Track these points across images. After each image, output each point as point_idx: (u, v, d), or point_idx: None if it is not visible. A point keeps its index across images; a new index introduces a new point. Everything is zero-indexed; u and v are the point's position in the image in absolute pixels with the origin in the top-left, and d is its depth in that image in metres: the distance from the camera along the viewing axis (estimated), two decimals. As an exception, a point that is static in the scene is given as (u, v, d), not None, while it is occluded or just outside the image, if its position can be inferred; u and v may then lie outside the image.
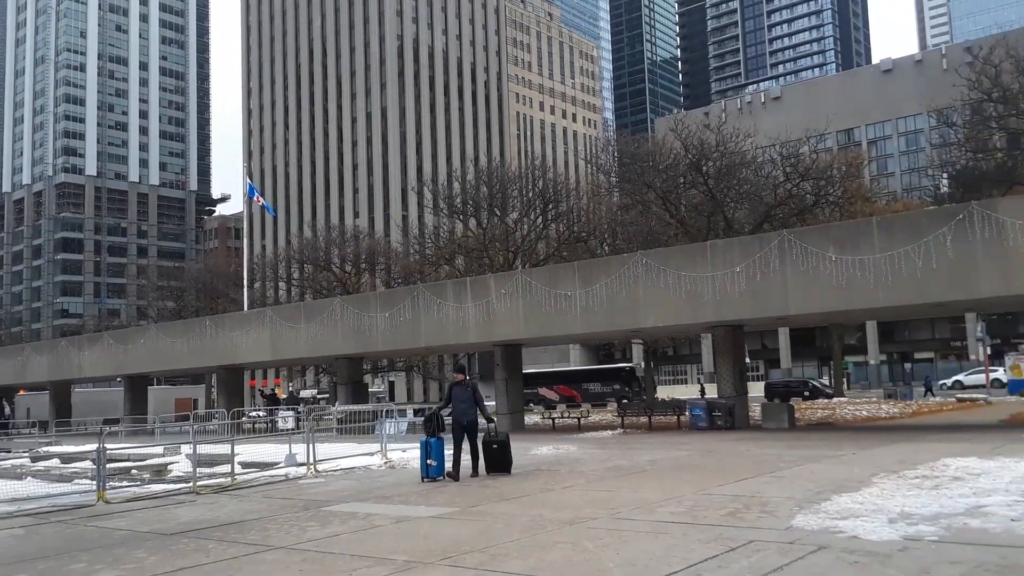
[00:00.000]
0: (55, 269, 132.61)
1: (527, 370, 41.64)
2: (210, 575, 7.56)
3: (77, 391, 55.81)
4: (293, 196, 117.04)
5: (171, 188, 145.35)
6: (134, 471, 20.54)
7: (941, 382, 59.26)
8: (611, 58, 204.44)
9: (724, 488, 11.29)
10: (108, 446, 14.53)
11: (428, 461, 13.71)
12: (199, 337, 38.81)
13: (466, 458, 14.08)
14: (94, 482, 13.90)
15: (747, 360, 34.22)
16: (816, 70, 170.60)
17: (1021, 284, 19.54)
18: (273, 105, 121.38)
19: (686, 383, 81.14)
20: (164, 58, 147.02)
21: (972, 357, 70.53)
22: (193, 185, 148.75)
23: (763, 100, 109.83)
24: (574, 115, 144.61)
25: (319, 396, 71.29)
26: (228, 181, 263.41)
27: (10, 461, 26.21)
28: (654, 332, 35.60)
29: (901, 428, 23.50)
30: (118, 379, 48.97)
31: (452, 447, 13.97)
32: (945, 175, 44.38)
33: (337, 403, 34.33)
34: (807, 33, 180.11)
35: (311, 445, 16.56)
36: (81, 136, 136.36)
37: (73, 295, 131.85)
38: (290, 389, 74.12)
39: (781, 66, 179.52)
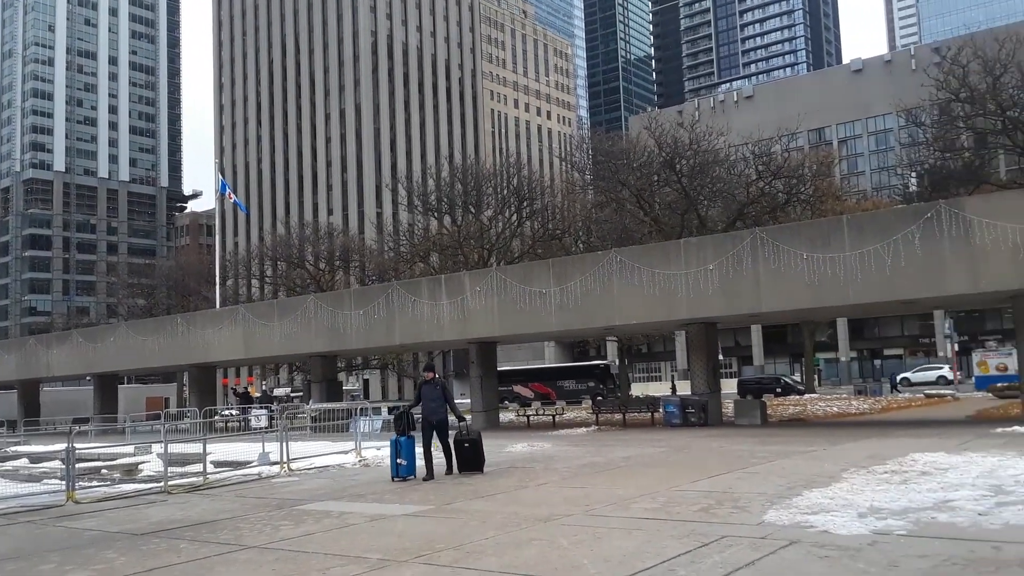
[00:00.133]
0: (23, 266, 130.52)
1: (502, 367, 41.66)
2: (182, 575, 7.50)
3: (46, 390, 55.04)
4: (266, 193, 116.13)
5: (141, 184, 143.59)
6: (104, 471, 20.32)
7: (899, 378, 60.10)
8: (585, 56, 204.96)
9: (697, 484, 11.38)
10: (78, 445, 14.35)
11: (398, 460, 13.61)
12: (170, 335, 38.41)
13: (441, 457, 14.06)
14: (63, 482, 13.74)
15: (720, 357, 34.47)
16: (788, 69, 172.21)
17: (988, 282, 19.87)
18: (246, 101, 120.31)
19: (660, 380, 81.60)
20: (134, 52, 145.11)
21: (940, 354, 71.60)
22: (164, 181, 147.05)
23: (736, 99, 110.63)
24: (549, 113, 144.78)
25: (293, 394, 70.86)
26: (200, 177, 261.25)
27: (-24, 461, 25.75)
28: (628, 329, 35.77)
29: (871, 424, 23.81)
30: (88, 378, 48.35)
31: (422, 446, 13.90)
32: (914, 174, 44.97)
33: (311, 401, 34.15)
34: (779, 33, 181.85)
35: (284, 444, 16.46)
36: (49, 131, 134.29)
37: (41, 292, 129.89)
38: (263, 387, 73.60)
39: (753, 65, 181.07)
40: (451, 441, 13.99)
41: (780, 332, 78.02)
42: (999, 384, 38.01)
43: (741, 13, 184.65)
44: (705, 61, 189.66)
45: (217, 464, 17.74)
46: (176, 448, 17.21)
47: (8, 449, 27.75)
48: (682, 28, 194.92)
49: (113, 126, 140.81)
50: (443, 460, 14.04)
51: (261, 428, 24.81)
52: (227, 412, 39.46)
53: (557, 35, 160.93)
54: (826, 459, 13.76)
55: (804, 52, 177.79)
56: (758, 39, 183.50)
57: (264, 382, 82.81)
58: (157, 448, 20.30)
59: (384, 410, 31.69)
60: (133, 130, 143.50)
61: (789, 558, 6.70)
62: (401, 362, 72.87)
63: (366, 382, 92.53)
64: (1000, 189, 33.44)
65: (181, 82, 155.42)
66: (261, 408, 33.84)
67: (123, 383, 56.14)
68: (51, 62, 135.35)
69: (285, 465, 16.20)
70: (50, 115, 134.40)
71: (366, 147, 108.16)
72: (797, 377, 58.97)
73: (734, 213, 42.41)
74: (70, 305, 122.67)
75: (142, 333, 40.32)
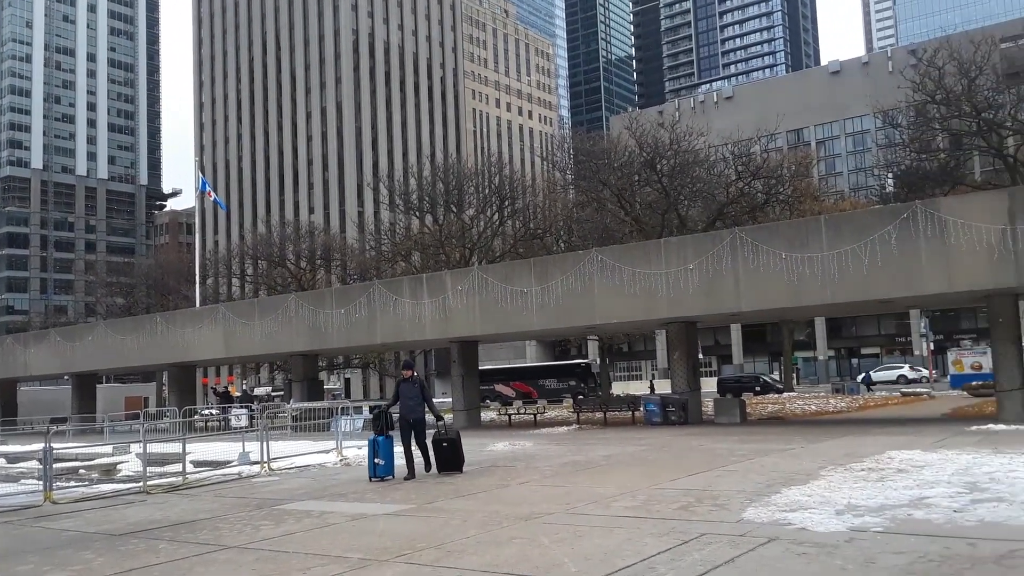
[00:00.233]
0: (0, 264, 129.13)
1: (483, 367, 41.66)
2: (162, 576, 7.47)
3: (23, 389, 54.43)
4: (247, 191, 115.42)
5: (120, 182, 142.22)
6: (82, 471, 20.17)
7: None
8: (567, 56, 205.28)
9: (677, 482, 11.46)
10: (55, 445, 14.23)
11: (376, 460, 13.46)
12: (150, 334, 38.11)
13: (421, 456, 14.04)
14: (41, 482, 13.61)
15: (700, 356, 34.67)
16: (767, 70, 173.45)
17: (962, 281, 20.12)
18: (226, 99, 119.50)
19: (641, 379, 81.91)
20: (113, 49, 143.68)
21: (916, 353, 72.38)
22: (143, 179, 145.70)
23: (716, 100, 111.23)
24: (530, 112, 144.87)
25: (273, 393, 70.48)
26: (179, 176, 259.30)
27: (-49, 462, 25.44)
28: (609, 329, 35.89)
29: (848, 422, 24.03)
30: (66, 377, 47.87)
31: (402, 446, 13.81)
32: (890, 175, 45.41)
33: (292, 400, 34.00)
34: (758, 34, 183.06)
35: (265, 443, 16.39)
36: (27, 128, 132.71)
37: (18, 291, 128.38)
38: (243, 387, 73.17)
39: (733, 66, 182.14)
40: (429, 441, 13.90)
41: (759, 331, 78.57)
42: (974, 383, 38.50)
43: (721, 14, 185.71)
44: (685, 62, 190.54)
45: (197, 464, 17.64)
46: (155, 448, 17.09)
47: (-16, 450, 27.42)
48: (663, 29, 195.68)
49: (92, 123, 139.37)
50: (421, 459, 13.99)
51: (241, 428, 24.68)
52: (207, 411, 39.21)
53: (538, 35, 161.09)
54: (804, 457, 13.88)
55: (783, 53, 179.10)
56: (738, 40, 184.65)
57: (245, 381, 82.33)
58: (136, 448, 20.14)
59: (365, 409, 31.59)
60: (112, 127, 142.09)
61: (768, 555, 6.77)
62: (383, 361, 72.70)
63: (347, 381, 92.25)
64: (975, 190, 33.85)
65: (160, 79, 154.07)
66: (241, 407, 33.64)
67: (102, 383, 55.62)
68: (29, 59, 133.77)
69: (265, 465, 16.13)
70: (28, 112, 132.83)
71: (347, 145, 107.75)
72: (776, 376, 59.41)
73: (714, 213, 42.67)
74: (48, 304, 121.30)
75: (121, 332, 39.99)
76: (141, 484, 14.27)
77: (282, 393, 63.35)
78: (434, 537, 8.30)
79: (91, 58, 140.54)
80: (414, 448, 13.77)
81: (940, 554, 6.47)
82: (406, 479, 13.30)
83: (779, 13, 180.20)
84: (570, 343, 68.57)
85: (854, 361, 77.64)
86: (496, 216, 52.69)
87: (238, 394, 54.16)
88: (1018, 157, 36.48)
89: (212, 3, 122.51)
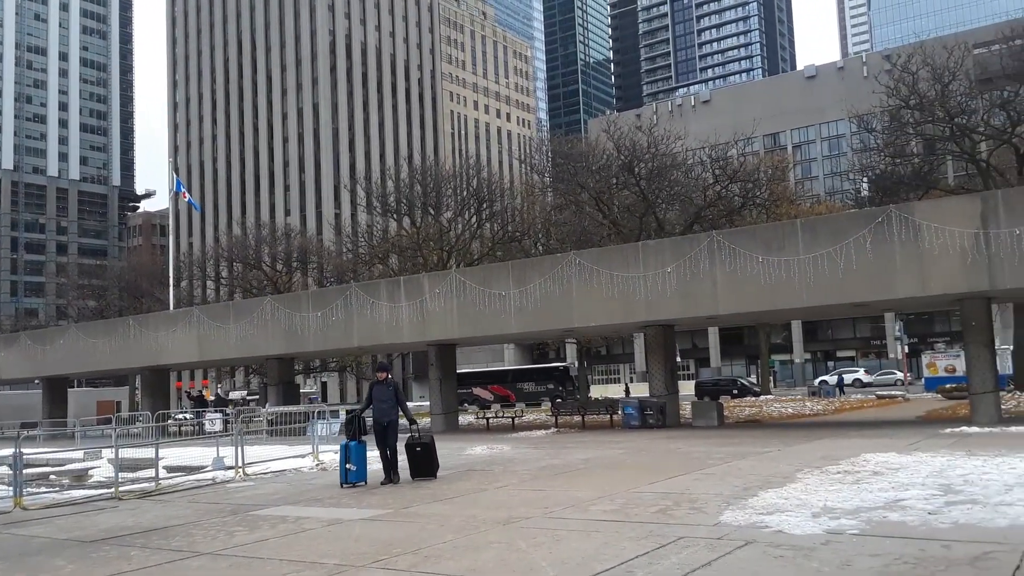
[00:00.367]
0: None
1: (461, 370, 41.59)
2: (133, 584, 7.34)
3: (-8, 394, 53.62)
4: (221, 193, 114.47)
5: (92, 183, 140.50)
6: (53, 476, 19.87)
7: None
8: (545, 59, 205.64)
9: (655, 486, 11.46)
10: (25, 450, 14.00)
11: (348, 466, 13.13)
12: (122, 337, 37.67)
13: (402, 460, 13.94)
14: (10, 488, 13.38)
15: (678, 359, 34.82)
16: (744, 75, 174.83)
17: (936, 285, 20.33)
18: (200, 99, 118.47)
19: (619, 382, 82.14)
20: (85, 49, 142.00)
21: (891, 356, 73.16)
22: (116, 180, 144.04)
23: (693, 103, 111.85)
24: (508, 115, 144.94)
25: (249, 397, 69.89)
26: (153, 177, 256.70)
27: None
28: (587, 332, 35.94)
29: (824, 425, 24.21)
30: (36, 381, 47.21)
31: (378, 450, 13.61)
32: (865, 179, 45.85)
33: (267, 404, 33.73)
34: (735, 38, 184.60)
35: (240, 448, 16.22)
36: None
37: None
38: (217, 391, 72.49)
39: (710, 70, 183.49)
40: (401, 445, 13.69)
41: (737, 334, 79.13)
42: (948, 385, 38.97)
43: (698, 18, 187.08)
44: (663, 65, 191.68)
45: (170, 469, 17.43)
46: (127, 453, 16.86)
47: (-48, 455, 26.93)
48: (640, 32, 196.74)
49: (63, 123, 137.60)
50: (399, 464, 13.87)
51: (216, 432, 24.43)
52: (181, 416, 38.81)
53: (516, 37, 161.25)
54: (781, 460, 13.95)
55: (760, 58, 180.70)
56: (715, 44, 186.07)
57: (219, 385, 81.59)
58: (108, 453, 19.86)
59: (342, 413, 31.42)
60: (84, 128, 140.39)
61: (745, 558, 6.77)
62: (360, 364, 72.36)
63: (324, 385, 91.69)
64: (948, 194, 34.25)
65: (134, 79, 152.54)
66: (216, 412, 33.33)
67: (73, 386, 54.91)
68: (0, 57, 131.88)
69: (240, 470, 15.96)
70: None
71: (324, 147, 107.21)
72: (753, 379, 59.81)
73: (691, 216, 42.87)
74: (18, 307, 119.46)
75: (93, 335, 39.50)
76: (113, 490, 14.07)
77: (257, 397, 62.85)
78: (411, 542, 8.23)
79: (63, 57, 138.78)
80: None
81: (915, 556, 6.51)
82: (383, 484, 13.20)
83: (756, 18, 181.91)
84: (548, 346, 68.65)
85: (830, 364, 78.39)
86: (474, 219, 52.62)
87: (212, 398, 53.59)
88: (990, 162, 36.96)
89: (187, 2, 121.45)
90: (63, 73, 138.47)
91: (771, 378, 60.30)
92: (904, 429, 20.22)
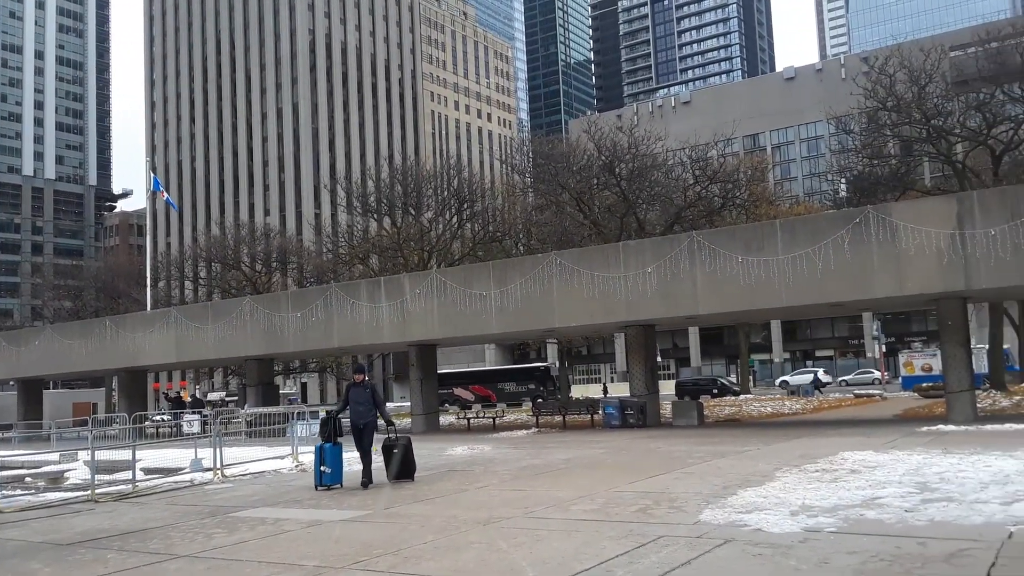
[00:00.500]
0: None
1: (442, 370, 41.51)
2: (109, 587, 7.27)
3: (-35, 396, 52.91)
4: (200, 192, 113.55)
5: (68, 183, 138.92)
6: (28, 479, 19.64)
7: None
8: (526, 59, 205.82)
9: (635, 485, 11.49)
10: (0, 453, 13.81)
11: (322, 468, 12.97)
12: (99, 338, 37.29)
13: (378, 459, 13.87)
14: (-16, 492, 13.21)
15: (658, 359, 34.90)
16: (723, 76, 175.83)
17: (913, 285, 20.53)
18: (178, 98, 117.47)
19: (600, 382, 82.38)
20: (61, 47, 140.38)
21: (869, 355, 73.83)
22: (92, 180, 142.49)
23: (673, 104, 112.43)
24: (489, 115, 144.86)
25: (228, 399, 69.39)
26: (130, 177, 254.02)
27: None
28: (568, 332, 35.98)
29: (803, 424, 24.38)
30: (11, 383, 46.62)
31: (356, 452, 13.45)
32: (843, 180, 46.19)
33: (246, 405, 33.50)
34: (715, 40, 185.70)
35: (218, 449, 16.11)
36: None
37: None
38: (195, 392, 71.92)
39: (690, 71, 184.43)
40: (378, 446, 13.56)
41: (716, 334, 79.56)
42: (924, 384, 39.39)
43: (678, 20, 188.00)
44: (644, 66, 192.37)
45: (147, 471, 17.29)
46: (104, 455, 16.70)
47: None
48: (621, 33, 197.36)
49: (39, 122, 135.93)
50: (379, 465, 13.79)
51: (194, 433, 24.23)
52: (158, 417, 38.46)
53: (497, 37, 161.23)
54: (760, 459, 14.03)
55: (739, 59, 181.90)
56: (695, 45, 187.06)
57: (198, 386, 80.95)
58: (84, 455, 19.66)
59: (322, 413, 31.26)
60: (60, 126, 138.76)
61: (724, 557, 6.80)
62: (340, 365, 72.02)
63: (304, 386, 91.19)
64: (925, 195, 34.59)
65: (111, 78, 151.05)
66: (194, 413, 33.07)
67: (48, 388, 54.28)
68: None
69: (219, 471, 15.84)
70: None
71: (304, 147, 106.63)
72: (733, 378, 60.12)
73: (672, 217, 43.02)
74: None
75: (69, 336, 39.09)
76: (89, 492, 13.93)
77: (236, 398, 62.44)
78: (391, 543, 8.20)
79: (39, 55, 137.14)
80: (375, 454, 13.53)
81: (892, 553, 6.56)
82: (361, 486, 13.11)
83: (735, 20, 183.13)
84: (529, 346, 68.63)
85: (809, 363, 79.01)
86: (455, 219, 52.51)
87: (189, 399, 53.14)
88: (966, 164, 37.35)
89: (164, 1, 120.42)
90: (39, 71, 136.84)
91: (751, 378, 60.65)
92: (881, 428, 20.41)
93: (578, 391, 64.74)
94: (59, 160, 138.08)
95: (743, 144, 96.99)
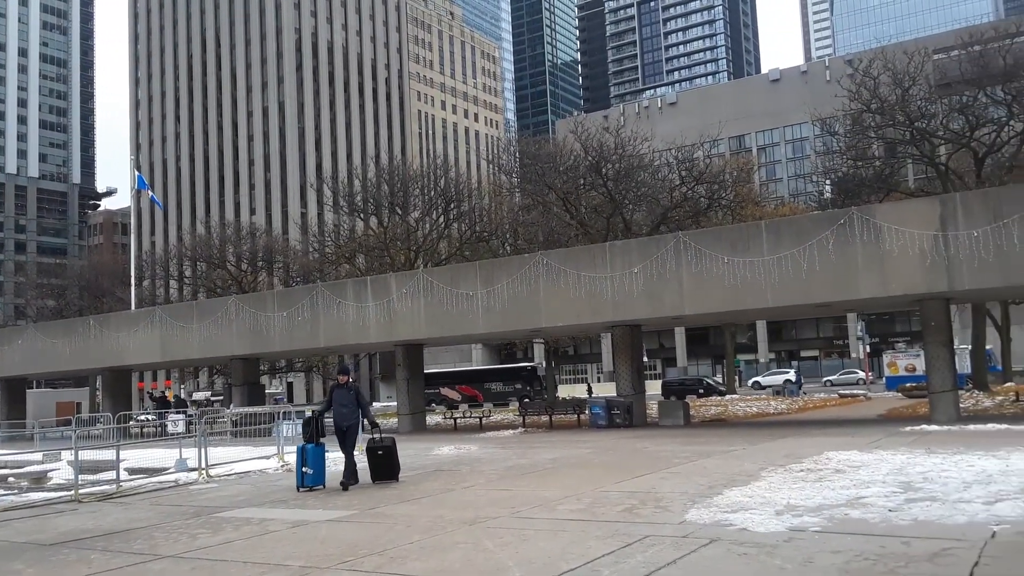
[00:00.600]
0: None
1: (429, 370, 41.46)
2: (93, 588, 7.22)
3: (-53, 395, 52.33)
4: (185, 191, 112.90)
5: (52, 181, 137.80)
6: (11, 479, 19.49)
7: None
8: (512, 59, 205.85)
9: (622, 485, 11.52)
10: (-19, 454, 13.71)
11: (304, 469, 12.87)
12: (82, 338, 37.02)
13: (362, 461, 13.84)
14: (-35, 492, 13.10)
15: (645, 359, 35.00)
16: (709, 77, 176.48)
17: (897, 285, 20.68)
18: (163, 96, 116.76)
19: (586, 382, 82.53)
20: (45, 44, 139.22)
21: (853, 355, 74.27)
22: (76, 178, 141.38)
23: (660, 105, 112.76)
24: (476, 115, 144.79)
25: (213, 398, 69.06)
26: (114, 175, 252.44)
27: None
28: (555, 332, 36.02)
29: (788, 424, 24.50)
30: (-7, 382, 46.20)
31: (337, 453, 13.42)
32: (828, 181, 46.45)
33: (232, 405, 33.35)
34: (701, 41, 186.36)
35: (203, 449, 16.03)
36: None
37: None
38: (181, 391, 71.55)
39: (677, 72, 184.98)
40: (360, 448, 13.49)
41: (703, 334, 79.86)
42: (908, 384, 39.71)
43: (665, 21, 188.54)
44: (630, 67, 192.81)
45: (132, 471, 17.18)
46: (88, 455, 16.58)
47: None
48: (608, 34, 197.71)
49: (22, 120, 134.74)
50: (364, 466, 13.75)
51: (179, 433, 24.10)
52: (143, 417, 38.25)
53: (484, 37, 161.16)
54: (746, 458, 14.09)
55: (725, 61, 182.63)
56: (681, 47, 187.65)
57: (183, 386, 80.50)
58: (67, 455, 19.51)
59: (308, 413, 31.18)
60: (43, 124, 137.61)
61: (709, 556, 6.83)
62: (327, 365, 71.78)
63: (290, 385, 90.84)
64: (908, 197, 34.83)
65: (95, 76, 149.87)
66: (178, 413, 32.89)
67: (32, 387, 53.85)
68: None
69: (204, 471, 15.77)
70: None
71: (290, 146, 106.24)
72: (719, 378, 60.34)
73: (658, 217, 43.14)
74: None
75: (52, 335, 38.79)
76: (73, 492, 13.84)
77: (222, 398, 62.11)
78: (377, 543, 8.19)
79: (22, 53, 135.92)
80: (358, 454, 13.50)
81: (876, 553, 6.60)
82: (349, 486, 13.07)
83: (721, 21, 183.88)
84: (516, 346, 68.64)
85: (794, 363, 79.45)
86: (441, 219, 52.44)
87: (173, 399, 52.85)
88: (949, 166, 37.64)
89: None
90: (22, 69, 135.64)
91: (736, 378, 60.89)
92: (866, 427, 20.54)
93: (565, 391, 64.78)
94: (43, 158, 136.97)
95: (729, 145, 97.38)
